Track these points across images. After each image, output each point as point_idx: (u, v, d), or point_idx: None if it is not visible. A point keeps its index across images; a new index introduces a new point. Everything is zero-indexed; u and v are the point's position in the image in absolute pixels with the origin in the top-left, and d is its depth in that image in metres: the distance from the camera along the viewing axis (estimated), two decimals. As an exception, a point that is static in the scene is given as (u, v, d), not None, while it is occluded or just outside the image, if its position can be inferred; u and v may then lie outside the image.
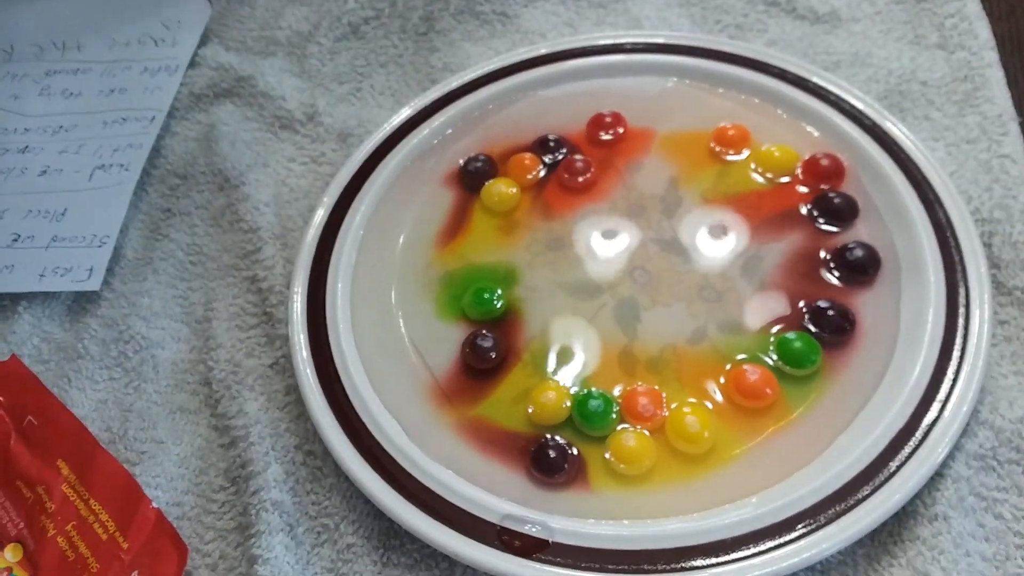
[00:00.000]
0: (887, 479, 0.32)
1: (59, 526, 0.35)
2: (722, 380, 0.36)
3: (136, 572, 0.34)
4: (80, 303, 0.44)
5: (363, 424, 0.36)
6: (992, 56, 0.46)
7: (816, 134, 0.43)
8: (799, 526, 0.31)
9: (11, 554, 0.35)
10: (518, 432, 0.36)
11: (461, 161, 0.44)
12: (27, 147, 0.49)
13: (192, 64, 0.53)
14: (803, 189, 0.41)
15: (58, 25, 0.56)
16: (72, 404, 0.40)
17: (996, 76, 0.45)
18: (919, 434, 0.33)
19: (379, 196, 0.43)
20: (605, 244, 0.41)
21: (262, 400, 0.39)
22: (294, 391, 0.39)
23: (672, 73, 0.46)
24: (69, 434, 0.38)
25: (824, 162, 0.41)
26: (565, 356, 0.38)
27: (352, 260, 0.41)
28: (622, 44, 0.47)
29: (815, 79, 0.44)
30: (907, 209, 0.39)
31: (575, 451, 0.35)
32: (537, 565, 0.31)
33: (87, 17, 0.56)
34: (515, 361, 0.38)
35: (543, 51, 0.48)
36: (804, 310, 0.37)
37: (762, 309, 0.38)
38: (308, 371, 0.37)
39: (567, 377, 0.37)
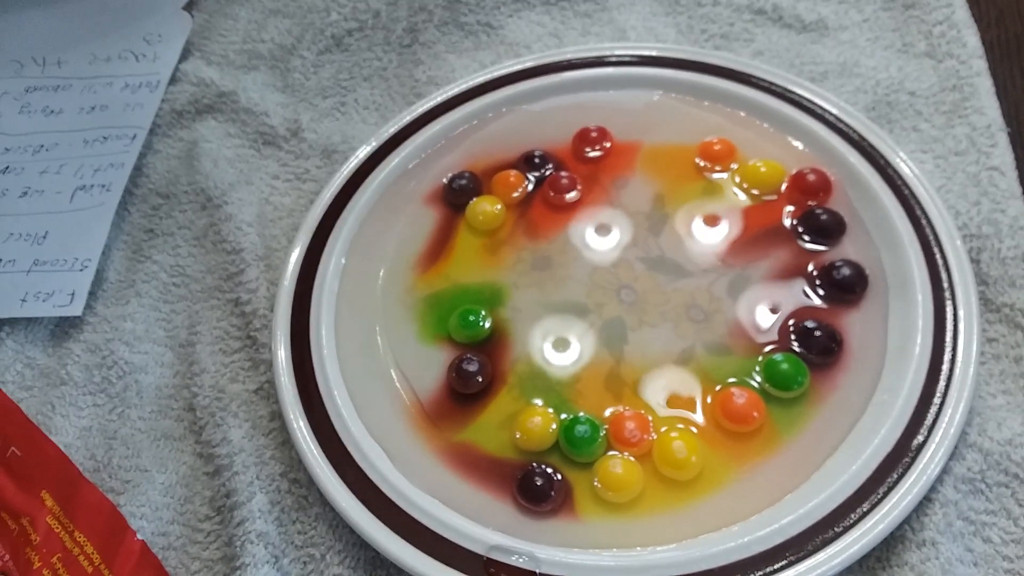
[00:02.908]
0: (875, 506, 0.31)
1: (44, 558, 0.35)
2: (709, 400, 0.36)
3: (121, 606, 0.34)
4: (63, 328, 0.43)
5: (347, 452, 0.35)
6: (981, 64, 0.45)
7: (803, 148, 0.42)
8: (787, 554, 0.31)
9: (-4, 588, 0.35)
10: (504, 459, 0.35)
11: (445, 179, 0.44)
12: (7, 167, 0.49)
13: (173, 80, 0.52)
14: (790, 205, 0.41)
15: (38, 41, 0.55)
16: (56, 431, 0.40)
17: (985, 85, 0.45)
18: (907, 459, 0.32)
19: (362, 217, 0.43)
20: (591, 263, 0.41)
21: (246, 427, 0.38)
22: (279, 417, 0.38)
23: (658, 86, 0.46)
24: (53, 465, 0.37)
25: (811, 177, 0.41)
26: (551, 379, 0.37)
27: (336, 284, 0.41)
28: (607, 57, 0.47)
29: (801, 92, 0.44)
30: (894, 226, 0.38)
31: (562, 478, 0.34)
32: (524, 597, 0.31)
33: (67, 32, 0.55)
34: (501, 384, 0.37)
35: (528, 64, 0.48)
36: (791, 331, 0.37)
37: (749, 330, 0.37)
38: (292, 399, 0.37)
39: (553, 401, 0.37)
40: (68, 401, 0.41)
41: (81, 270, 0.43)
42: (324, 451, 0.35)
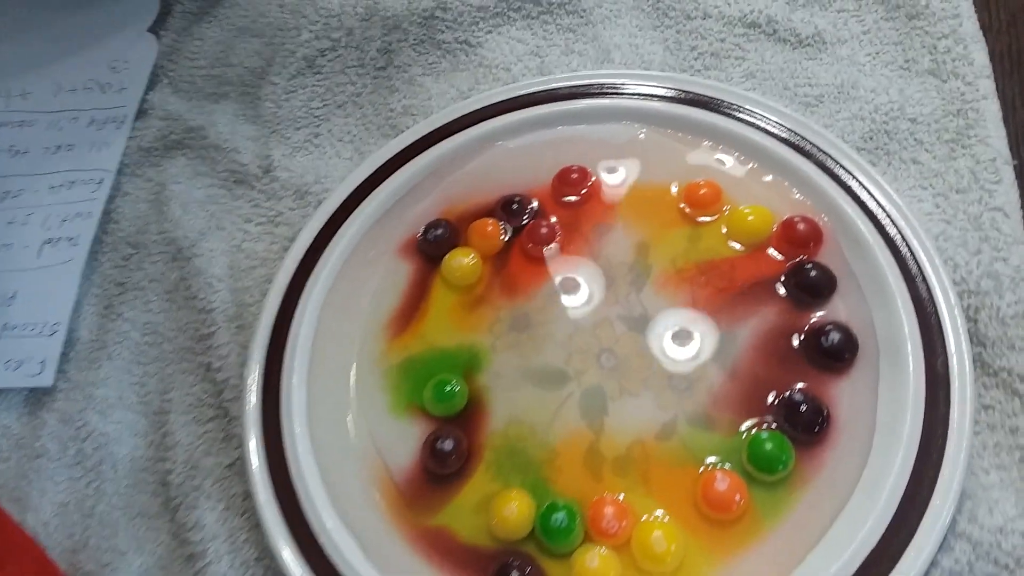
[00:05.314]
0: (858, 607, 0.30)
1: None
2: (690, 482, 0.35)
3: None
4: (36, 395, 0.42)
5: (319, 545, 0.35)
6: (988, 86, 0.42)
7: (793, 192, 0.40)
8: (766, 658, 0.30)
9: None
10: (479, 547, 0.34)
11: (420, 230, 0.42)
12: (-26, 217, 0.47)
13: (140, 113, 0.50)
14: (778, 257, 0.39)
15: (2, 68, 0.53)
16: (34, 507, 0.39)
17: (991, 110, 0.42)
18: (892, 554, 0.31)
19: (334, 275, 0.41)
20: (571, 323, 0.39)
21: (220, 509, 0.37)
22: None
23: (643, 120, 0.43)
24: (17, 552, 0.37)
25: (801, 227, 0.39)
26: (528, 456, 0.36)
27: (307, 352, 0.39)
28: (590, 87, 0.44)
29: (794, 127, 0.41)
30: (887, 284, 0.36)
31: (538, 571, 0.33)
32: None
33: (31, 59, 0.53)
34: (477, 462, 0.36)
35: (506, 96, 0.45)
36: (777, 405, 0.35)
37: (733, 401, 0.36)
38: (263, 488, 0.36)
39: (530, 481, 0.35)
40: (45, 475, 0.40)
41: (51, 335, 0.42)
42: (296, 542, 0.35)
